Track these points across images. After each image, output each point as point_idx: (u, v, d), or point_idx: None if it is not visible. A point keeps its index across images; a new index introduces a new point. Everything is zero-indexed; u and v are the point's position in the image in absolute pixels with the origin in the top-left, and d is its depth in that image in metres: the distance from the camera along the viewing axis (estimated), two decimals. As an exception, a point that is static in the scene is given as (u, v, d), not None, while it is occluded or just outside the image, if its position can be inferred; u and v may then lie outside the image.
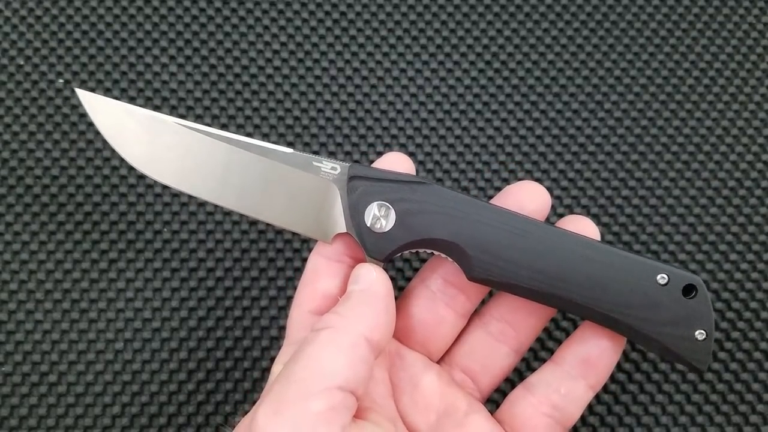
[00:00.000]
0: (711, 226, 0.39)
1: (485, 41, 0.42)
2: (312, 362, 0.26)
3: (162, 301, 0.37)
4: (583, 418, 0.37)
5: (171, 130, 0.31)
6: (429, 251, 0.31)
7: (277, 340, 0.37)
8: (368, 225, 0.30)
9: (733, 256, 0.39)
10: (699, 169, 0.40)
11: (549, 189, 0.39)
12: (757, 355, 0.38)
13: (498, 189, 0.39)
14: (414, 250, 0.31)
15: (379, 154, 0.39)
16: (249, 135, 0.40)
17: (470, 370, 0.33)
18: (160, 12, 0.41)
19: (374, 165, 0.31)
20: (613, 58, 0.41)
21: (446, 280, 0.32)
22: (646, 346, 0.30)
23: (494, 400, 0.36)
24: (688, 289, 0.29)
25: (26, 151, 0.39)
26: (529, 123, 0.40)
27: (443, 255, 0.31)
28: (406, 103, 0.40)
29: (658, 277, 0.29)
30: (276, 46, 0.41)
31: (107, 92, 0.40)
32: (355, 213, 0.30)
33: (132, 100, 0.40)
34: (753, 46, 0.42)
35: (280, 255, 0.38)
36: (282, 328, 0.37)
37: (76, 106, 0.40)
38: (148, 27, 0.41)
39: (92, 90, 0.40)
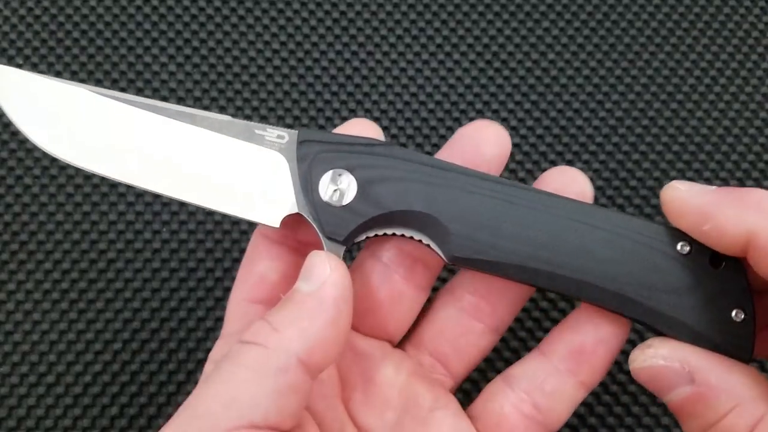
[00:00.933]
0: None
1: (486, 40, 0.41)
2: (224, 391, 0.22)
3: (161, 301, 0.37)
4: (583, 419, 0.37)
5: (78, 96, 0.26)
6: (398, 233, 0.26)
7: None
8: (324, 199, 0.25)
9: (734, 256, 0.39)
10: (700, 168, 0.40)
11: (550, 189, 0.39)
12: (759, 355, 0.37)
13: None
14: (380, 232, 0.26)
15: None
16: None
17: (440, 354, 0.28)
18: (159, 11, 0.41)
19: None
20: (614, 57, 0.41)
21: (400, 249, 0.28)
22: (672, 332, 0.25)
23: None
24: (717, 258, 0.24)
25: (24, 150, 0.39)
26: (530, 122, 0.40)
27: (415, 237, 0.26)
28: (407, 103, 0.40)
29: (679, 245, 0.25)
30: (275, 46, 0.41)
31: (106, 92, 0.40)
32: (307, 185, 0.25)
33: (131, 100, 0.40)
34: (754, 45, 0.42)
35: (279, 255, 0.38)
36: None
37: (75, 106, 0.39)
38: (147, 26, 0.41)
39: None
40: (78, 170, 0.39)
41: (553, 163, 0.40)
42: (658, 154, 0.40)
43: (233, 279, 0.37)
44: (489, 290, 0.28)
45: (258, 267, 0.27)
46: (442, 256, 0.26)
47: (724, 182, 0.39)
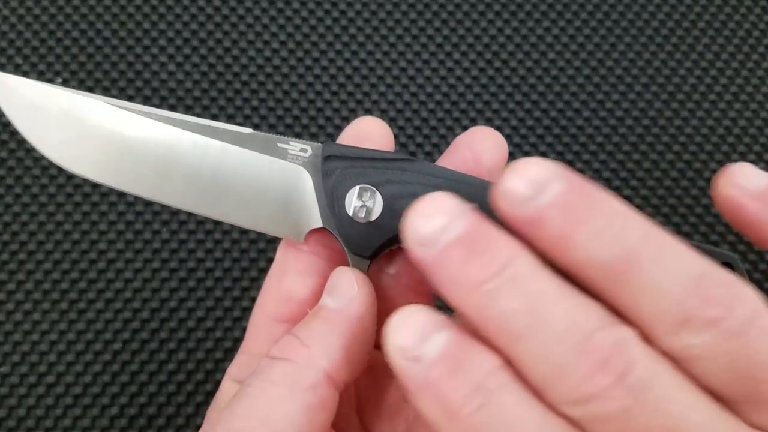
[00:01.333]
0: (713, 226, 0.39)
1: (486, 40, 0.41)
2: (257, 408, 0.22)
3: (161, 301, 0.37)
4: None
5: (92, 108, 0.25)
6: None
7: (276, 341, 0.37)
8: (350, 214, 0.25)
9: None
10: (701, 168, 0.40)
11: (550, 189, 0.39)
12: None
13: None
14: (404, 245, 0.26)
15: (379, 153, 0.39)
16: (248, 134, 0.39)
17: None
18: (159, 10, 0.41)
19: (343, 135, 0.27)
20: (614, 57, 0.41)
21: (407, 261, 0.27)
22: None
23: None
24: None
25: (24, 150, 0.39)
26: (530, 122, 0.40)
27: None
28: (407, 102, 0.40)
29: None
30: (275, 45, 0.41)
31: (105, 91, 0.40)
32: (333, 201, 0.25)
33: (130, 99, 0.39)
34: (755, 45, 0.41)
35: (279, 255, 0.38)
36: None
37: (75, 106, 0.39)
38: (146, 25, 0.41)
39: (90, 89, 0.40)
40: (77, 170, 0.39)
41: (554, 163, 0.40)
42: (659, 155, 0.40)
43: (233, 279, 0.37)
44: None
45: (287, 283, 0.26)
46: None
47: (725, 182, 0.39)
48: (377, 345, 0.28)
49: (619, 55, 0.41)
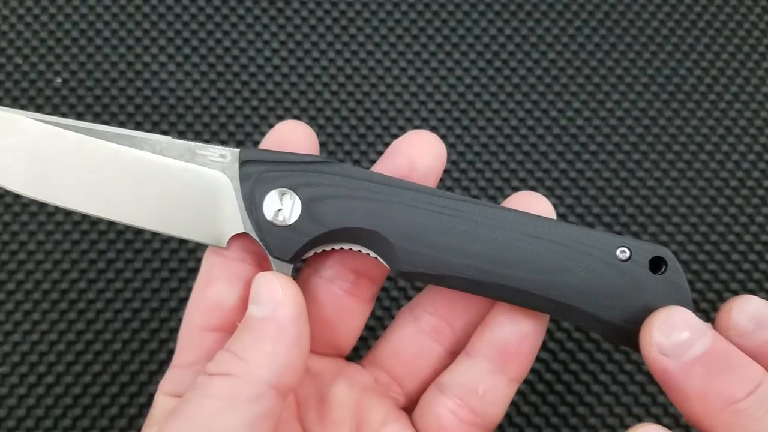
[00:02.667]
0: (713, 226, 0.39)
1: (486, 40, 0.41)
2: (195, 422, 0.22)
3: (160, 301, 0.37)
4: (574, 410, 0.37)
5: (10, 122, 0.26)
6: (345, 248, 0.26)
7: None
8: (269, 219, 0.25)
9: (735, 257, 0.39)
10: (701, 168, 0.40)
11: (549, 188, 0.39)
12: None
13: (498, 189, 0.39)
14: (327, 248, 0.26)
15: (380, 153, 0.39)
16: (248, 135, 0.39)
17: (396, 374, 0.28)
18: (159, 10, 0.41)
19: (265, 140, 0.27)
20: (614, 57, 0.41)
21: (342, 264, 0.27)
22: (614, 340, 0.25)
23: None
24: (656, 263, 0.25)
25: (24, 150, 0.39)
26: (530, 122, 0.40)
27: (363, 251, 0.26)
28: (407, 102, 0.40)
29: (618, 251, 0.25)
30: (275, 45, 0.41)
31: (105, 91, 0.40)
32: (251, 205, 0.25)
33: (130, 99, 0.40)
34: (755, 45, 0.41)
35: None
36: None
37: (74, 106, 0.39)
38: (146, 25, 0.41)
39: (90, 89, 0.40)
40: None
41: (554, 164, 0.40)
42: (659, 154, 0.40)
43: (233, 279, 0.37)
44: (449, 311, 0.28)
45: (213, 291, 0.26)
46: (390, 270, 0.26)
47: (725, 182, 0.39)
48: (313, 350, 0.28)
49: (619, 55, 0.41)
